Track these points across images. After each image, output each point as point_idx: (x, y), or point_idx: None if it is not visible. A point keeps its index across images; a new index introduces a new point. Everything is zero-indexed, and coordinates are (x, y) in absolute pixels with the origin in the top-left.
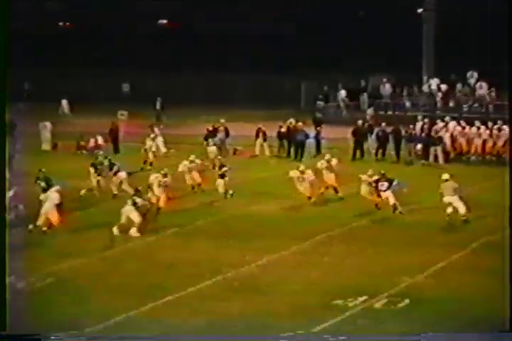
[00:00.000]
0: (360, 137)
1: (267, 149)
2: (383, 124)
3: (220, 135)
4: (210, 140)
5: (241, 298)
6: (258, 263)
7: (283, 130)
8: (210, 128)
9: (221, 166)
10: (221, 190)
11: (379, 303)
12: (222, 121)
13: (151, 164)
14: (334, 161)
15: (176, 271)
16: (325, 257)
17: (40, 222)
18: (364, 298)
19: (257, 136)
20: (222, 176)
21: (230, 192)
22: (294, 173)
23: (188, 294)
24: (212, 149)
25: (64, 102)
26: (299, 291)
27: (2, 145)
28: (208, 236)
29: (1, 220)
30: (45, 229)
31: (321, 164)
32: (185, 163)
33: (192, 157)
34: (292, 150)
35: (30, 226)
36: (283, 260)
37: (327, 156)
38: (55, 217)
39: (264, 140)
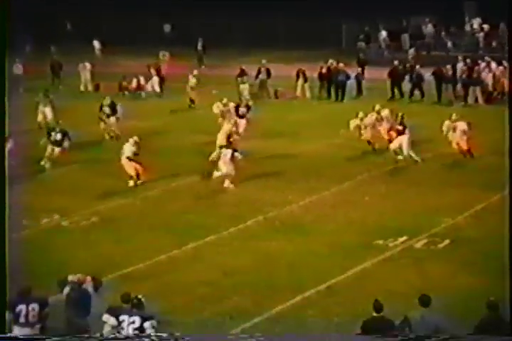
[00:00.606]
0: (396, 78)
1: (307, 90)
2: (417, 66)
3: (261, 76)
4: (244, 77)
5: (282, 237)
6: (299, 203)
7: (324, 71)
8: (243, 67)
9: (247, 107)
10: (241, 130)
11: (419, 243)
12: (264, 61)
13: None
14: (385, 111)
15: (217, 210)
16: (365, 197)
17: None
18: (404, 238)
19: (298, 77)
20: (242, 117)
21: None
22: (353, 122)
23: (230, 234)
24: (244, 87)
25: (96, 43)
26: (339, 231)
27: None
28: (250, 177)
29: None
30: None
31: (370, 115)
32: (219, 104)
33: (225, 100)
34: (333, 91)
35: (131, 183)
36: (324, 200)
37: (377, 107)
38: (131, 170)
39: (305, 81)
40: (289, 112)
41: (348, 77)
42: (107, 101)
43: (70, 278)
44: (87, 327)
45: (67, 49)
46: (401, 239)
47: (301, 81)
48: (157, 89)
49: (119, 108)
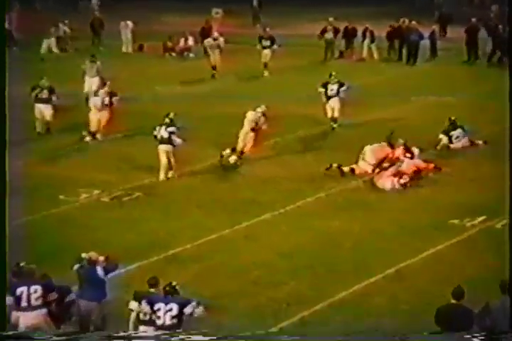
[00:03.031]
0: (472, 37)
1: (375, 51)
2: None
3: (328, 35)
4: (263, 41)
5: (346, 215)
6: (365, 179)
7: (394, 29)
8: (266, 31)
9: (340, 84)
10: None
11: (500, 223)
12: (331, 19)
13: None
14: (262, 120)
15: (274, 186)
16: (440, 173)
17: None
18: (483, 217)
19: (364, 36)
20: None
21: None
22: (251, 115)
23: (288, 211)
24: (265, 53)
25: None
26: (410, 209)
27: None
28: (309, 149)
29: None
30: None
31: (253, 114)
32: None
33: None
34: (404, 52)
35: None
36: None
37: (261, 108)
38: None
39: (372, 41)
40: (354, 76)
41: (421, 37)
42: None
43: (83, 255)
44: (102, 313)
45: (106, 6)
46: (480, 219)
47: (367, 41)
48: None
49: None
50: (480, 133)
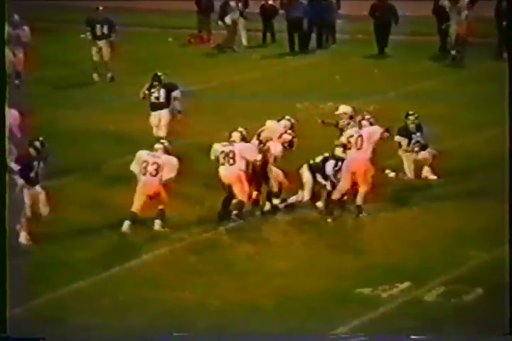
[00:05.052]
0: (379, 18)
1: (243, 34)
2: None
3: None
4: (97, 28)
5: (200, 283)
6: (227, 226)
7: (271, 2)
8: (99, 10)
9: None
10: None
11: (431, 294)
12: None
13: None
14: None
15: None
16: (344, 217)
17: None
18: (406, 284)
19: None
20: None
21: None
22: (219, 146)
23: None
24: (99, 46)
25: None
26: (296, 272)
27: None
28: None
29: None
30: None
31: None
32: None
33: None
34: (287, 35)
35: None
36: (273, 220)
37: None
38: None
39: (241, 14)
40: (209, 72)
41: (307, 13)
42: None
43: None
44: None
45: None
46: (402, 286)
47: (232, 15)
48: None
49: None
50: None
